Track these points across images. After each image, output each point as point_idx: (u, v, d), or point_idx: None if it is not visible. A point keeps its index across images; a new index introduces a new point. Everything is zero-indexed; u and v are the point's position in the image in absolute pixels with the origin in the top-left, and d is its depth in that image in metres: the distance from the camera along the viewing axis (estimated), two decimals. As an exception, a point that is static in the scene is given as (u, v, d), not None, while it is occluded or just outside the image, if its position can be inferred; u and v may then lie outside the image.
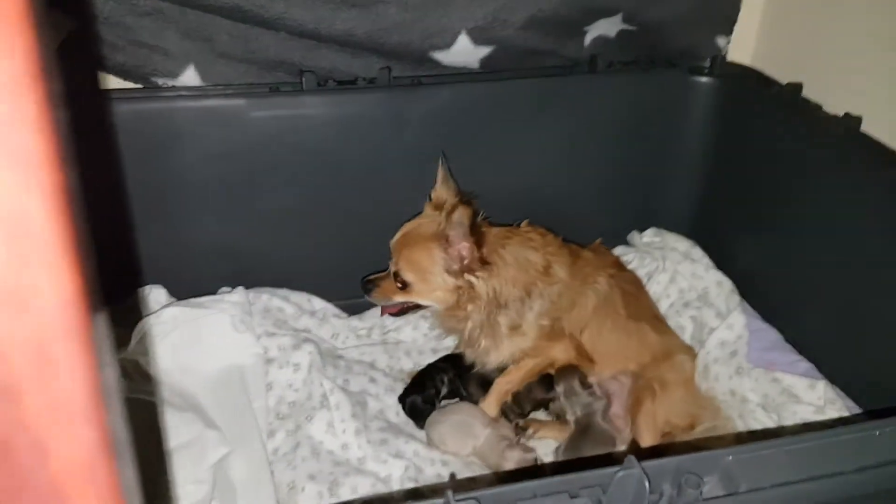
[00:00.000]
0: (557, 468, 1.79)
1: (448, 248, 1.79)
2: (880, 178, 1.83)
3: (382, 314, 2.02)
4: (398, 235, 1.85)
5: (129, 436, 0.55)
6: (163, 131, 1.95)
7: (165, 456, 1.62)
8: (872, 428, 0.99)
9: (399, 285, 1.84)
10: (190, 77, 2.03)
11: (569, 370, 1.96)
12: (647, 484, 0.88)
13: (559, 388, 1.93)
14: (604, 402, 1.92)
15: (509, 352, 1.94)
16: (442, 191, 1.90)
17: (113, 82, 1.99)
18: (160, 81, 2.02)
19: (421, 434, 1.91)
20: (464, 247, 1.78)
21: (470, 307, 1.85)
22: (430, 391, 1.98)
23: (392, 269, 1.84)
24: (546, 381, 1.97)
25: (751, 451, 0.95)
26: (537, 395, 1.97)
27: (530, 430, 1.96)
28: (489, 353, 1.95)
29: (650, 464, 0.91)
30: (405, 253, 1.82)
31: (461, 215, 1.74)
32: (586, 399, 1.90)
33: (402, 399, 1.99)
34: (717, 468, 0.93)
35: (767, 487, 0.91)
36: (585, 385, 1.93)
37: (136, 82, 2.01)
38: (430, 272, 1.82)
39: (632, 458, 0.89)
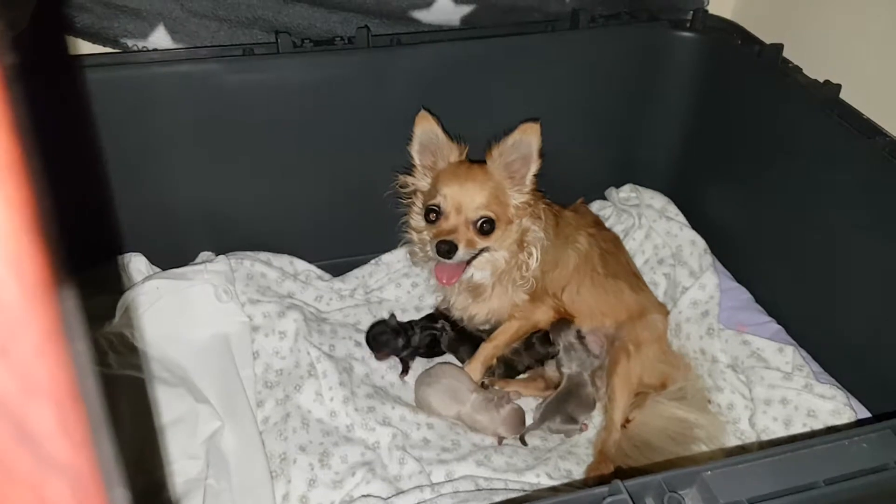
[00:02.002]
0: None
1: (512, 174, 1.88)
2: (856, 147, 1.86)
3: (448, 282, 1.88)
4: (460, 188, 1.83)
5: (108, 416, 0.54)
6: (137, 99, 1.90)
7: (157, 432, 1.66)
8: (841, 438, 1.05)
9: (484, 228, 1.84)
10: (160, 38, 1.96)
11: (563, 324, 2.02)
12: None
13: (559, 343, 2.00)
14: (596, 363, 2.00)
15: (507, 304, 2.01)
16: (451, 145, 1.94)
17: (84, 48, 1.91)
18: (130, 43, 1.94)
19: (407, 397, 1.97)
20: (524, 163, 1.87)
21: (531, 231, 1.92)
22: (394, 325, 2.05)
23: (472, 217, 1.83)
24: (545, 337, 2.04)
25: (728, 466, 1.01)
26: (539, 351, 2.03)
27: (496, 387, 2.04)
28: (486, 305, 2.01)
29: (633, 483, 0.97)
30: (483, 193, 1.83)
31: (532, 134, 1.84)
32: (583, 355, 1.98)
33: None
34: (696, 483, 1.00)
35: (744, 501, 0.98)
36: (581, 338, 2.00)
37: (104, 45, 1.94)
38: (508, 202, 1.88)
39: (618, 482, 0.95)
